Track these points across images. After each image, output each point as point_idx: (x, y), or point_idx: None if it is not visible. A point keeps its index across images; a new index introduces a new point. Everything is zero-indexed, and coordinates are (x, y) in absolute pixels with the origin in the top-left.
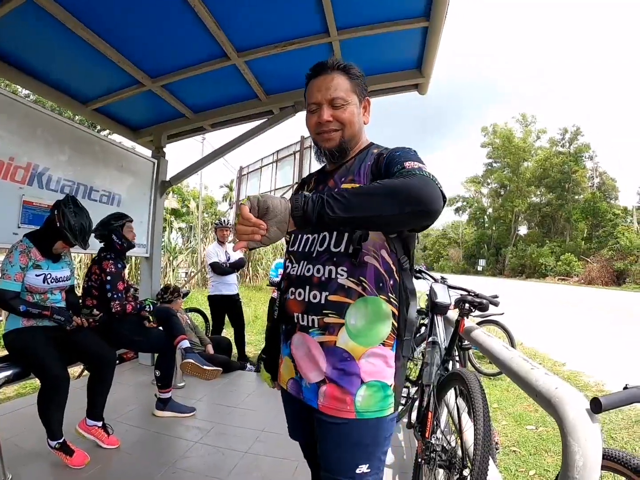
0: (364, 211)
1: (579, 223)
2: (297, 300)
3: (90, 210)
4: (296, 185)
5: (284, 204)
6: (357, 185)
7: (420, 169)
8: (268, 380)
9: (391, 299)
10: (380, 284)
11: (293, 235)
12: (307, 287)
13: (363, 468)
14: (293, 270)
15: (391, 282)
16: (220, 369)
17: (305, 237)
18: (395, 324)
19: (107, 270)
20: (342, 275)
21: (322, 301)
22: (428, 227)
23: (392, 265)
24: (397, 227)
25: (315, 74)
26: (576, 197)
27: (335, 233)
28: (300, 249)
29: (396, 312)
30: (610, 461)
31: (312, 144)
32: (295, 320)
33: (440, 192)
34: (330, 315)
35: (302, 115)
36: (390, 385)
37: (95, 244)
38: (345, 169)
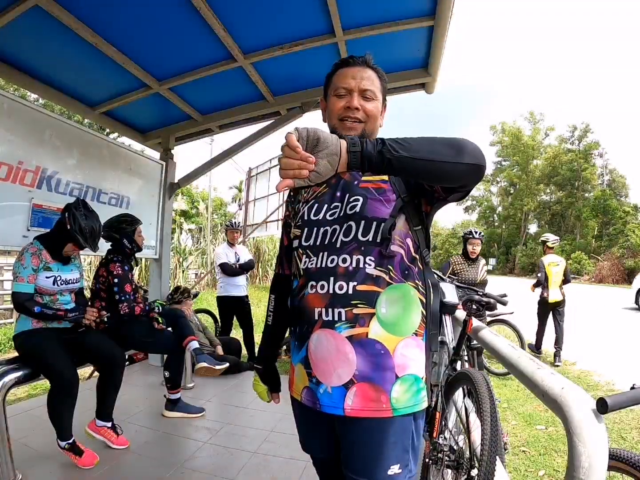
0: (426, 154)
1: (589, 221)
2: (320, 294)
3: (99, 213)
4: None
5: (335, 137)
6: (379, 177)
7: None
8: (264, 393)
9: (419, 287)
10: (406, 272)
11: (306, 229)
12: (332, 279)
13: (395, 468)
14: (312, 264)
15: (416, 270)
16: (228, 364)
17: (323, 229)
18: (424, 312)
19: (115, 272)
20: (370, 264)
21: (350, 291)
22: (471, 189)
23: (415, 255)
24: (453, 179)
25: (348, 64)
26: (586, 194)
27: (363, 222)
28: (319, 242)
29: (424, 300)
30: (619, 461)
31: (330, 131)
32: (317, 317)
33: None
34: (359, 305)
35: (309, 116)
36: (422, 378)
37: (104, 247)
38: None
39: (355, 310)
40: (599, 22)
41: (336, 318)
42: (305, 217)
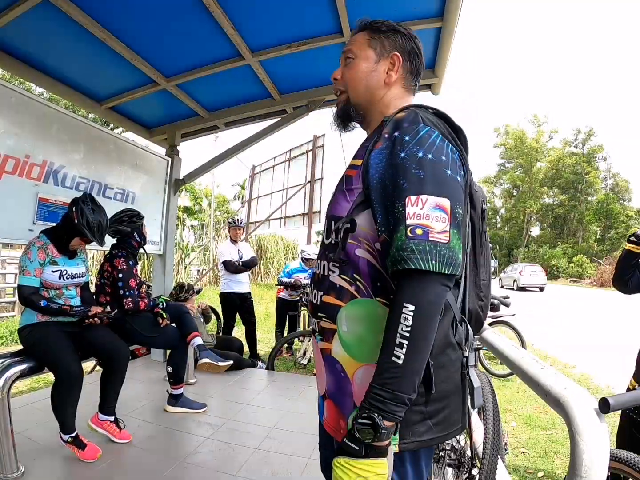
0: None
1: (591, 224)
2: (309, 301)
3: (104, 208)
4: None
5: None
6: (354, 161)
7: (425, 235)
8: None
9: None
10: (379, 284)
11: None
12: (313, 286)
13: None
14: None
15: (395, 282)
16: (232, 361)
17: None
18: None
19: (119, 267)
20: (334, 272)
21: (318, 302)
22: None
23: None
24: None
25: None
26: (589, 198)
27: (327, 221)
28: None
29: None
30: (619, 463)
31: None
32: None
33: (443, 265)
34: (324, 319)
35: (315, 115)
36: None
37: (109, 241)
38: (361, 147)
39: (322, 324)
40: (605, 25)
41: (315, 328)
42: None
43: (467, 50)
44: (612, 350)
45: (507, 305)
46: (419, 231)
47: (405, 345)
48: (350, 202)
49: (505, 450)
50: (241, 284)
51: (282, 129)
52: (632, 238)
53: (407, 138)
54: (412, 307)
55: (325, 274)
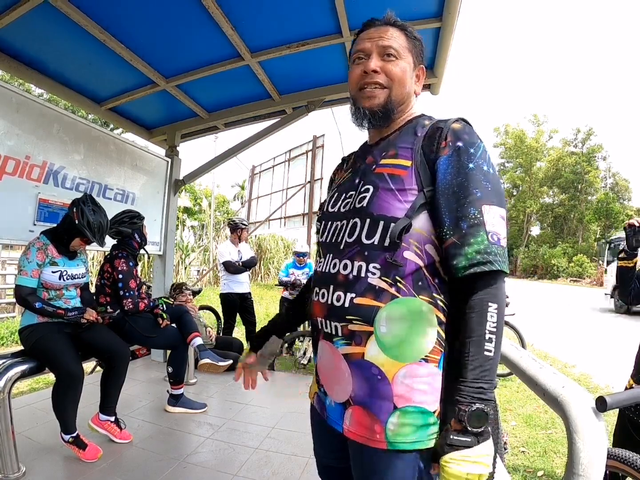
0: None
1: (591, 224)
2: (321, 303)
3: (105, 208)
4: (336, 166)
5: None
6: (399, 161)
7: (499, 241)
8: (246, 350)
9: (437, 301)
10: (420, 283)
11: (322, 222)
12: (331, 287)
13: None
14: (319, 266)
15: (436, 281)
16: (232, 360)
17: (334, 224)
18: (443, 333)
19: (119, 268)
20: (374, 274)
21: (347, 304)
22: None
23: (438, 264)
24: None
25: (366, 27)
26: (589, 197)
27: (368, 220)
28: (328, 240)
29: (443, 319)
30: (617, 461)
31: (350, 105)
32: (319, 326)
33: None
34: (355, 322)
35: (315, 115)
36: (434, 412)
37: (109, 241)
38: (387, 143)
39: (350, 327)
40: (605, 25)
41: (333, 332)
42: (324, 209)
43: (467, 50)
44: (612, 350)
45: (506, 305)
46: (495, 237)
47: (493, 340)
48: (404, 202)
49: (505, 449)
50: (241, 284)
51: (281, 129)
52: (622, 254)
53: (472, 150)
54: (495, 305)
55: (362, 275)
